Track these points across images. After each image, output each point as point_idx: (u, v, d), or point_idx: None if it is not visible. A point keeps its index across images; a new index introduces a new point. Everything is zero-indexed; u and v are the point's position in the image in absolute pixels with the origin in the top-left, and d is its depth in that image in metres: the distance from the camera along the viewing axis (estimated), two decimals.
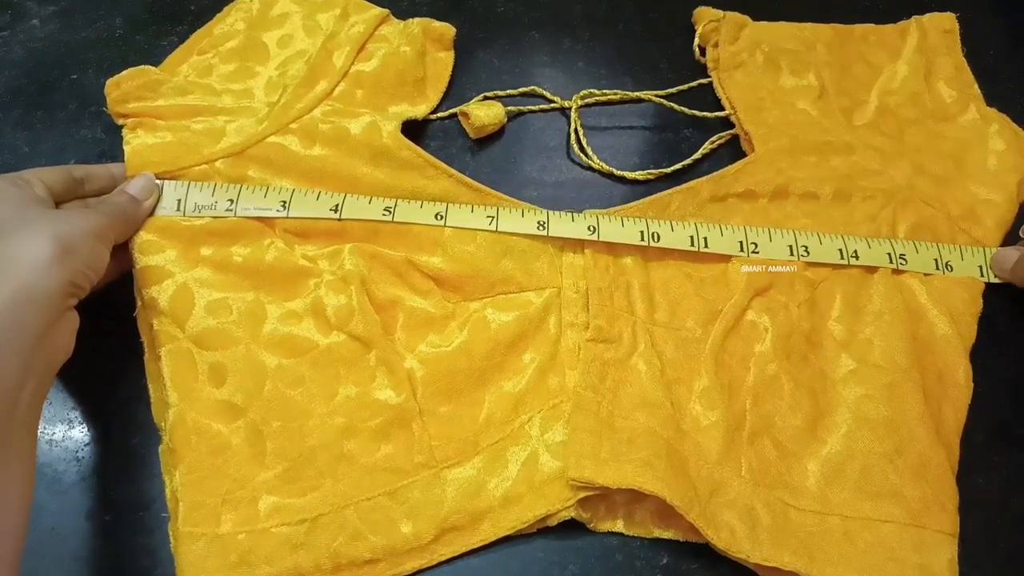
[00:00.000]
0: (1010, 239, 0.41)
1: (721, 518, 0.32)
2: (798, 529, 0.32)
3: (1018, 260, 0.38)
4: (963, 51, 0.46)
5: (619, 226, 0.38)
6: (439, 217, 0.38)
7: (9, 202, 0.30)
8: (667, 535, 0.34)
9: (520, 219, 0.38)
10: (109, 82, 0.39)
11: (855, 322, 0.37)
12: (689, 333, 0.36)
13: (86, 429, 0.36)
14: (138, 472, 0.35)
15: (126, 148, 0.38)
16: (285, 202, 0.38)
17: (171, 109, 0.40)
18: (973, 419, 0.36)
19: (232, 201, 0.37)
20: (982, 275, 0.39)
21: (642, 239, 0.38)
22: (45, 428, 0.36)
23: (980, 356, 0.37)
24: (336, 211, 0.37)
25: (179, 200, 0.37)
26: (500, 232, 0.38)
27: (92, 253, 0.31)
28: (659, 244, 0.38)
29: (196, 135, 0.39)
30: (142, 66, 0.41)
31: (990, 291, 0.39)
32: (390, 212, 0.38)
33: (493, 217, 0.38)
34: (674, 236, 0.38)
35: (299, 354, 0.35)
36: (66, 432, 0.36)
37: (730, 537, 0.32)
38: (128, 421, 0.36)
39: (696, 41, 0.46)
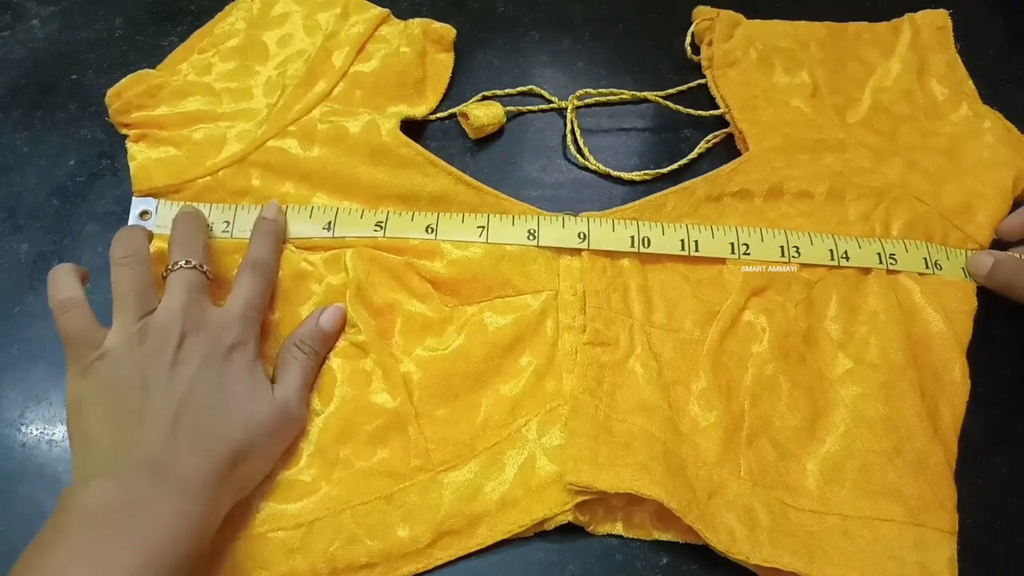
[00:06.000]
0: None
1: (720, 520, 0.31)
2: (797, 529, 0.31)
3: (993, 265, 0.36)
4: (961, 50, 0.44)
5: (610, 231, 0.36)
6: (430, 230, 0.36)
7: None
8: (666, 537, 0.32)
9: (510, 228, 0.36)
10: (110, 92, 0.39)
11: (851, 322, 0.35)
12: (687, 334, 0.35)
13: None
14: None
15: (131, 164, 0.38)
16: None
17: (172, 118, 0.39)
18: (972, 418, 0.34)
19: (228, 223, 0.36)
20: (965, 277, 0.37)
21: (632, 244, 0.36)
22: (45, 428, 0.34)
23: (979, 356, 0.35)
24: (329, 228, 0.36)
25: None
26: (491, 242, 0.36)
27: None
28: (649, 249, 0.36)
29: (198, 146, 0.38)
30: (140, 71, 0.40)
31: (989, 291, 0.37)
32: (381, 227, 0.36)
33: (483, 227, 0.36)
34: (664, 240, 0.36)
35: None
36: (66, 432, 0.33)
37: (729, 539, 0.30)
38: None
39: (688, 39, 0.44)
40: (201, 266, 0.32)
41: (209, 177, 0.37)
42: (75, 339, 0.29)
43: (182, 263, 0.31)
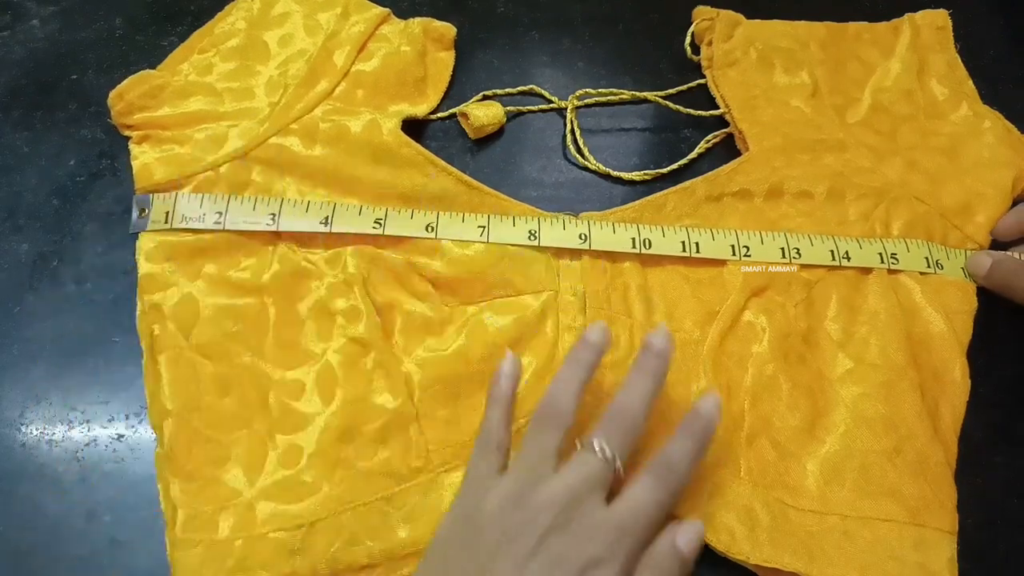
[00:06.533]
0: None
1: (720, 520, 0.30)
2: (797, 529, 0.31)
3: (991, 266, 0.36)
4: (961, 50, 0.43)
5: (611, 232, 0.36)
6: (430, 228, 0.36)
7: None
8: None
9: (511, 228, 0.36)
10: (112, 94, 0.38)
11: (851, 322, 0.35)
12: (687, 335, 0.34)
13: (86, 429, 0.34)
14: (138, 472, 0.33)
15: (134, 164, 0.37)
16: (274, 215, 0.36)
17: (175, 118, 0.38)
18: (972, 418, 0.34)
19: (220, 214, 0.36)
20: (965, 277, 0.37)
21: (633, 246, 0.36)
22: (45, 428, 0.34)
23: (979, 356, 0.35)
24: (326, 224, 0.36)
25: (167, 212, 0.36)
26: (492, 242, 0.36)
27: None
28: (651, 251, 0.36)
29: (201, 143, 0.38)
30: (142, 72, 0.39)
31: (989, 291, 0.37)
32: (380, 224, 0.36)
33: (484, 227, 0.36)
34: (665, 242, 0.36)
35: (301, 363, 0.33)
36: (66, 432, 0.34)
37: (729, 539, 0.30)
38: (128, 422, 0.34)
39: (688, 39, 0.43)
40: (615, 461, 0.27)
41: (210, 172, 0.37)
42: (484, 440, 0.28)
43: (603, 449, 0.27)
